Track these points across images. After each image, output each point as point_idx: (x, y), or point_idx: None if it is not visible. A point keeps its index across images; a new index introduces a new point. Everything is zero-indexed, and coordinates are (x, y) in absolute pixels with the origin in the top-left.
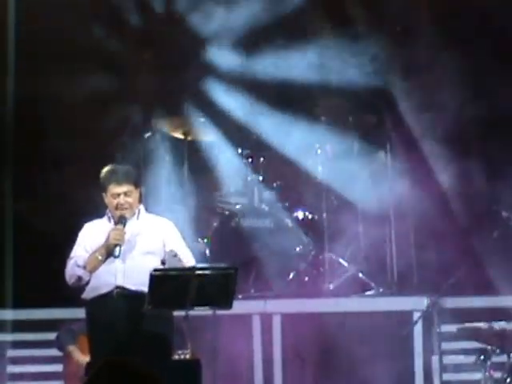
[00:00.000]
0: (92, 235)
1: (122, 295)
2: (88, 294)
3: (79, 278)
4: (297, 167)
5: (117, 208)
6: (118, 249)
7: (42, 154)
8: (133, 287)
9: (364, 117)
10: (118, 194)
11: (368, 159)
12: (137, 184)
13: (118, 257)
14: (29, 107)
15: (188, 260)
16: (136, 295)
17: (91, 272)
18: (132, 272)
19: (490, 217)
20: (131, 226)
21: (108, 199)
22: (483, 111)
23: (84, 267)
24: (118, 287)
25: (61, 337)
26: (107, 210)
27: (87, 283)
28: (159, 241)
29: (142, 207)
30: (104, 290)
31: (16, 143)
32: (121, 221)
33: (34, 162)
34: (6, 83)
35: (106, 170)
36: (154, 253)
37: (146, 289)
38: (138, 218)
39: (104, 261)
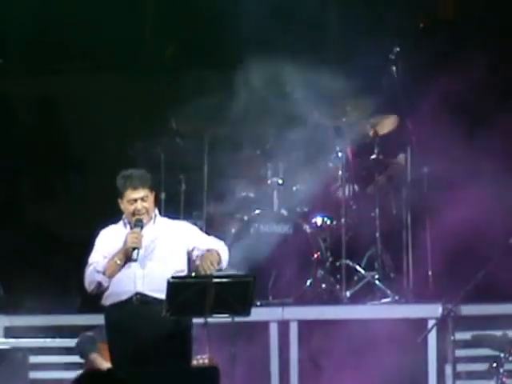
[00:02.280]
0: (109, 241)
1: (142, 302)
2: (107, 300)
3: (99, 284)
4: (316, 171)
5: (134, 214)
6: (136, 252)
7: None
8: (152, 293)
9: (385, 118)
10: (135, 200)
11: (387, 162)
12: (152, 188)
13: (136, 260)
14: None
15: (219, 248)
16: (155, 301)
17: (110, 277)
18: (151, 278)
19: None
20: (148, 231)
21: (124, 205)
22: None
23: (103, 273)
24: (137, 294)
25: (81, 344)
26: (123, 216)
27: (106, 289)
28: (179, 245)
29: (157, 211)
30: (124, 297)
31: (37, 144)
32: (137, 224)
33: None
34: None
35: (120, 175)
36: (173, 258)
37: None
38: (154, 222)
39: (123, 265)
